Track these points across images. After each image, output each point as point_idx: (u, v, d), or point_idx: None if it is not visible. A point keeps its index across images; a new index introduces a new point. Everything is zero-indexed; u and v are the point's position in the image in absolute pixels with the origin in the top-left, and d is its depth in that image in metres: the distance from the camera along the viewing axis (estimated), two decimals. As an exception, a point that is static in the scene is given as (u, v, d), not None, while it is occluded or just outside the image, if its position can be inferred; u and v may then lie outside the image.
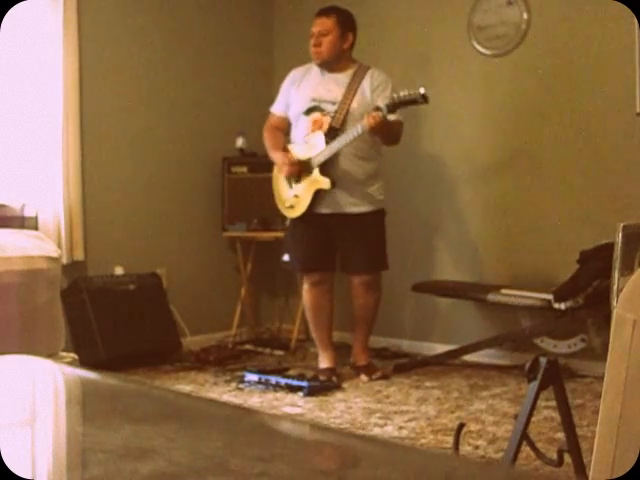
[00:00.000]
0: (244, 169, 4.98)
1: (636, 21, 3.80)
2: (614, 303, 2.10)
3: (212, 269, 5.07)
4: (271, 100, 3.93)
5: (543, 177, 4.29)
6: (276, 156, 4.10)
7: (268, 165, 4.93)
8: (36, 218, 4.21)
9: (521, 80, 4.38)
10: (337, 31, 3.97)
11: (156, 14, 4.79)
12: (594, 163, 4.12)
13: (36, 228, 4.11)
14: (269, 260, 5.23)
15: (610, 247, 2.28)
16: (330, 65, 4.00)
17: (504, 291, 3.96)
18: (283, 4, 5.35)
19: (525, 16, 4.31)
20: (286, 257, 4.21)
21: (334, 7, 4.07)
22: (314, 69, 4.07)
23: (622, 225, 2.23)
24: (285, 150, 4.09)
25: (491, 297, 3.98)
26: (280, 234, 4.79)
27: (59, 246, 4.12)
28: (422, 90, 3.59)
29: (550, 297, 3.69)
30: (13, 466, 0.80)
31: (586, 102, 4.14)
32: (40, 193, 4.23)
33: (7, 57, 4.12)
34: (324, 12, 4.02)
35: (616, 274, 2.18)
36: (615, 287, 2.17)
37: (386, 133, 3.83)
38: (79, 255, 4.37)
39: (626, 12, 3.75)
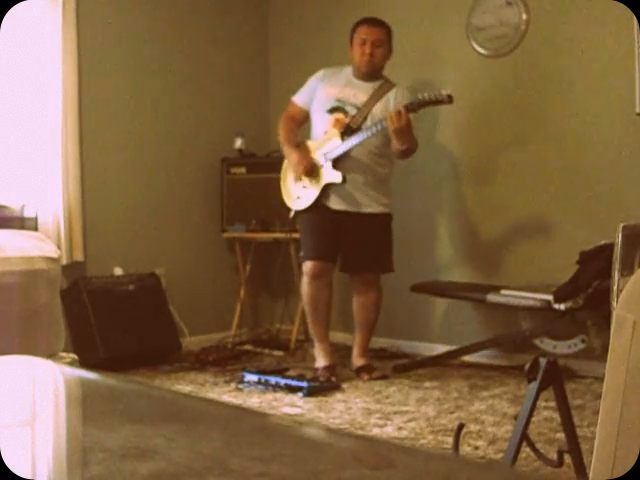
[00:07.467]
0: (243, 170, 4.98)
1: (636, 21, 3.80)
2: (614, 304, 2.10)
3: (211, 270, 5.07)
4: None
5: (543, 177, 4.29)
6: (292, 155, 4.08)
7: (267, 166, 4.94)
8: (36, 219, 4.20)
9: (520, 81, 4.38)
10: (388, 44, 4.04)
11: (154, 15, 4.79)
12: (594, 163, 4.12)
13: (36, 229, 4.11)
14: (268, 261, 5.23)
15: (610, 247, 2.29)
16: (368, 74, 4.03)
17: (504, 291, 3.95)
18: (279, 6, 5.35)
19: (524, 17, 4.31)
20: (302, 253, 4.19)
21: (380, 19, 4.07)
22: (345, 71, 4.10)
23: (622, 225, 2.23)
24: (301, 147, 4.11)
25: (490, 297, 3.98)
26: (279, 235, 4.79)
27: (59, 247, 4.12)
28: (447, 91, 3.66)
29: (550, 298, 3.68)
30: (13, 466, 0.80)
31: (586, 102, 4.14)
32: (40, 194, 4.23)
33: (6, 57, 4.12)
34: (378, 22, 4.02)
35: (616, 274, 2.18)
36: (615, 287, 2.17)
37: (403, 137, 3.78)
38: (79, 256, 4.38)
39: (626, 12, 3.75)
